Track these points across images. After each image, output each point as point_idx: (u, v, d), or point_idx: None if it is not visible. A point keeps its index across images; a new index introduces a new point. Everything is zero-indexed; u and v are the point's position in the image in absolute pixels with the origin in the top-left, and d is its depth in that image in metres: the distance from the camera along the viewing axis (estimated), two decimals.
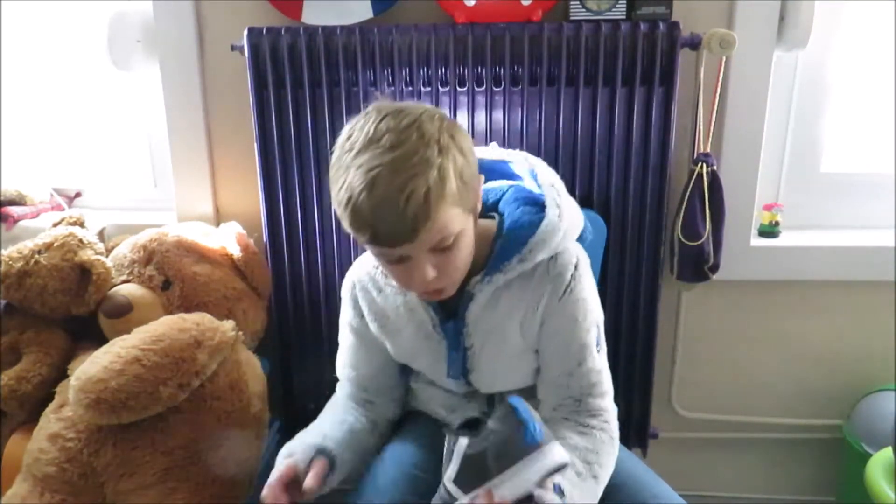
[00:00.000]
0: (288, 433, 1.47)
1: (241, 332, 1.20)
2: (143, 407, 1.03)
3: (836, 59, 1.39)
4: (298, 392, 1.47)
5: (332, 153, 0.84)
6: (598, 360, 0.95)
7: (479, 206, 0.89)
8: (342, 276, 1.38)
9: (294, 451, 0.92)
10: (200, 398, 1.10)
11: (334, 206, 0.82)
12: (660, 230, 1.31)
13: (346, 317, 1.05)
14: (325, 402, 1.45)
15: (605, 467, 0.91)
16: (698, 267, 1.32)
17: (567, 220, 0.91)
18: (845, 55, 1.38)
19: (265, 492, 0.86)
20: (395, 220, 0.76)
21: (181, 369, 1.05)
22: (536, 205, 0.92)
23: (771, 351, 1.50)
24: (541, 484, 0.79)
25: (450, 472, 0.83)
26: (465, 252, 0.85)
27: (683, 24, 1.21)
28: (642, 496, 0.92)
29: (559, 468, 0.80)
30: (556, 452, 0.80)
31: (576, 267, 0.91)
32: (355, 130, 0.81)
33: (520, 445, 0.79)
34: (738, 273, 1.41)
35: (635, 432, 1.44)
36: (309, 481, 0.86)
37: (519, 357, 0.96)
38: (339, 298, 1.39)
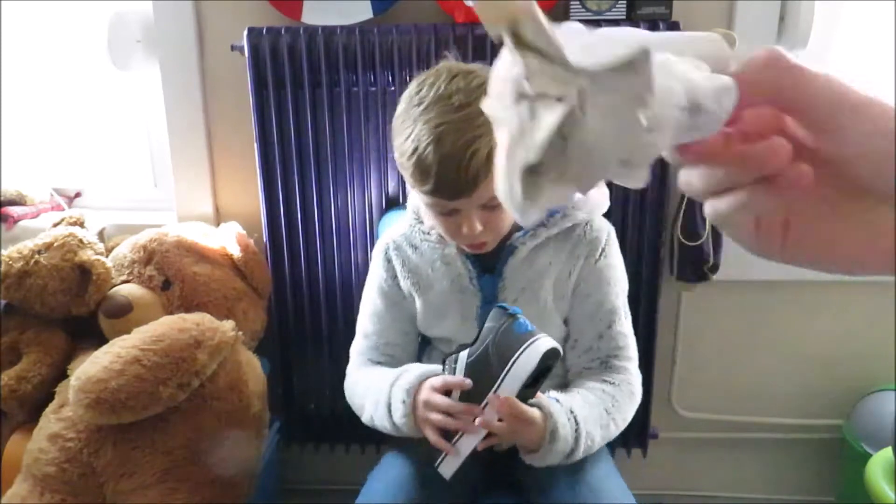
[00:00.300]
0: (288, 433, 1.48)
1: (241, 332, 1.19)
2: (143, 407, 1.03)
3: (836, 59, 1.39)
4: (298, 392, 1.48)
5: (397, 105, 0.90)
6: (626, 325, 1.00)
7: None
8: (342, 276, 1.39)
9: (427, 375, 0.93)
10: (200, 398, 1.10)
11: (396, 155, 0.88)
12: (660, 230, 1.31)
13: (375, 281, 1.07)
14: (325, 402, 1.47)
15: (621, 410, 0.95)
16: (698, 267, 1.32)
17: (599, 192, 0.99)
18: (845, 55, 1.38)
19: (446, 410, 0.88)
20: (458, 175, 0.82)
21: (181, 369, 1.05)
22: None
23: (771, 351, 1.50)
24: (537, 371, 0.85)
25: (454, 394, 0.89)
26: (510, 212, 0.91)
27: (683, 24, 1.21)
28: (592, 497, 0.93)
29: (552, 354, 0.86)
30: (547, 339, 0.87)
31: (608, 234, 0.99)
32: (425, 86, 0.87)
33: (516, 334, 0.87)
34: (738, 273, 1.41)
35: (635, 432, 1.44)
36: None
37: (547, 320, 0.99)
38: (339, 298, 1.40)
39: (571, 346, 1.02)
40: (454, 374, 0.90)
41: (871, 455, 1.27)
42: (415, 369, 0.96)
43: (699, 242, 1.29)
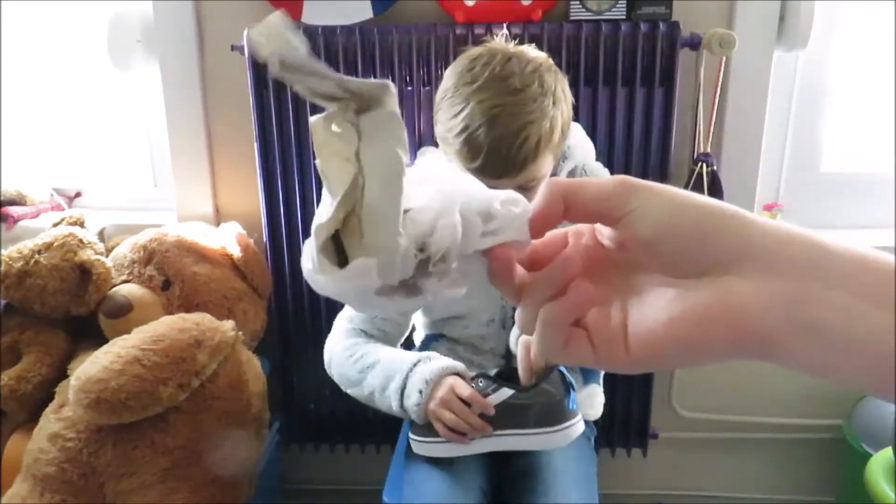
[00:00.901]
0: (288, 433, 1.48)
1: (241, 332, 1.19)
2: (143, 407, 1.03)
3: (836, 59, 1.39)
4: (298, 392, 1.48)
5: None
6: None
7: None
8: None
9: (450, 371, 0.96)
10: (200, 398, 1.10)
11: (440, 130, 0.89)
12: None
13: None
14: (325, 402, 1.47)
15: None
16: None
17: (584, 144, 1.06)
18: (845, 55, 1.38)
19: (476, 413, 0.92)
20: (506, 157, 0.84)
21: (181, 369, 1.05)
22: None
23: None
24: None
25: (473, 407, 0.94)
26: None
27: (683, 24, 1.21)
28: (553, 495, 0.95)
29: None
30: (581, 424, 0.93)
31: (605, 172, 1.03)
32: (478, 65, 0.87)
33: (564, 409, 0.92)
34: None
35: (635, 432, 1.44)
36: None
37: None
38: None
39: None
40: (484, 395, 0.93)
41: (871, 455, 1.27)
42: (437, 360, 0.97)
43: None
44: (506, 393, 0.92)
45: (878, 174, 1.45)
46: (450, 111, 0.87)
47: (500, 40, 0.93)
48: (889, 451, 1.23)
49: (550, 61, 0.92)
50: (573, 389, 0.93)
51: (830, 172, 1.46)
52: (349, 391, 1.05)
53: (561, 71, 0.94)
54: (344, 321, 1.10)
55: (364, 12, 1.28)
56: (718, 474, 1.61)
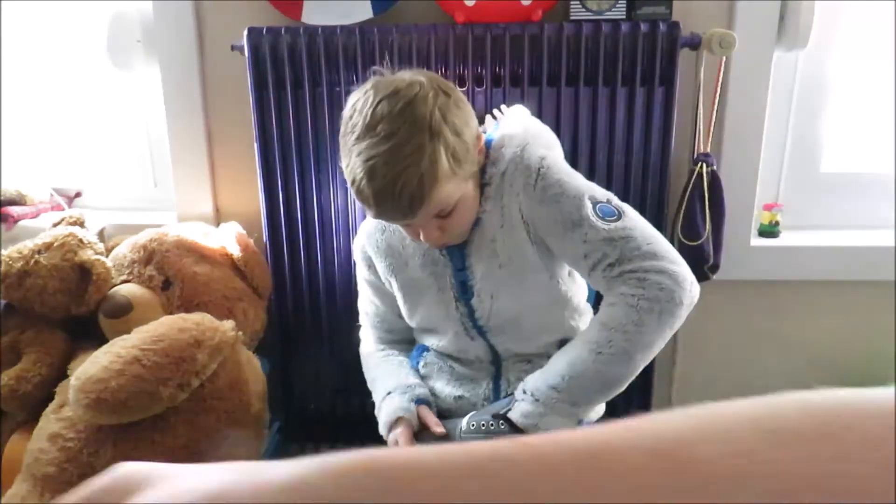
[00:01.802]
0: (288, 433, 1.48)
1: (240, 332, 1.19)
2: (143, 407, 1.03)
3: (836, 59, 1.39)
4: (298, 392, 1.48)
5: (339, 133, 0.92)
6: (616, 224, 0.91)
7: (481, 162, 0.94)
8: (342, 276, 1.39)
9: (395, 416, 1.01)
10: (200, 398, 1.10)
11: (345, 175, 0.90)
12: (660, 230, 1.30)
13: (361, 274, 1.12)
14: (326, 402, 1.47)
15: (627, 335, 0.89)
16: (698, 267, 1.32)
17: (528, 132, 0.97)
18: (845, 55, 1.38)
19: None
20: (394, 204, 0.84)
21: (181, 369, 1.05)
22: None
23: (771, 350, 1.50)
24: None
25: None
26: (467, 211, 0.92)
27: (683, 24, 1.21)
28: None
29: None
30: None
31: (543, 158, 0.93)
32: (356, 111, 0.87)
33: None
34: (738, 273, 1.41)
35: None
36: (438, 428, 0.99)
37: (510, 273, 0.97)
38: (339, 298, 1.40)
39: (575, 279, 1.04)
40: (485, 433, 0.95)
41: None
42: (388, 403, 1.03)
43: (699, 242, 1.29)
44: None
45: (878, 174, 1.45)
46: (342, 160, 0.89)
47: (386, 72, 0.90)
48: None
49: (430, 84, 0.86)
50: None
51: (830, 172, 1.46)
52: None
53: (448, 86, 0.89)
54: (363, 324, 1.17)
55: (364, 12, 1.28)
56: None
